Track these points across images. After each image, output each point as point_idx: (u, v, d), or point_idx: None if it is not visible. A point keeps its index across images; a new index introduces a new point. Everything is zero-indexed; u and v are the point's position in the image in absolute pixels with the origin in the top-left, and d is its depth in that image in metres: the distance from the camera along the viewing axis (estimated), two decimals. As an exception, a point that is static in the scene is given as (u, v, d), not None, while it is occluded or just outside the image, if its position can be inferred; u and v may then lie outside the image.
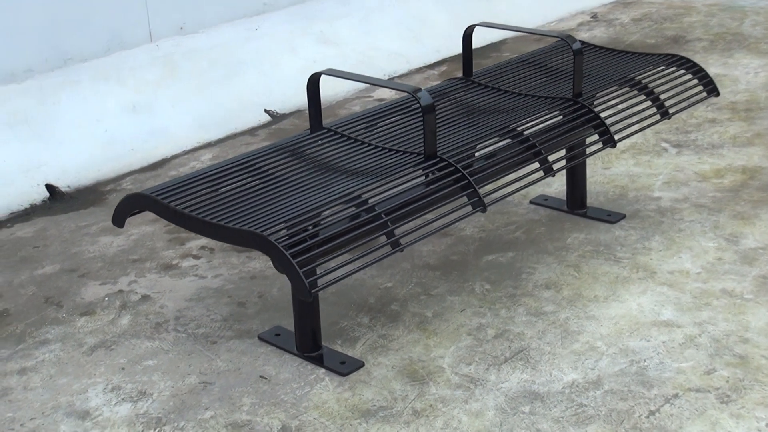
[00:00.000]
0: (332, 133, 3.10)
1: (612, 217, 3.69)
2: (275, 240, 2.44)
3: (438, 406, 2.70)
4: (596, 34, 6.07)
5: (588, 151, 3.49)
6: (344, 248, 2.62)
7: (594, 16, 6.48)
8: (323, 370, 2.89)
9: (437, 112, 3.20)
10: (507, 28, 3.44)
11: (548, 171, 3.07)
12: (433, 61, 5.73)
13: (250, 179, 2.82)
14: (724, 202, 3.77)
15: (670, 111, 3.48)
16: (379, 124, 3.15)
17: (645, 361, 2.83)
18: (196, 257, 3.59)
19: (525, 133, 3.09)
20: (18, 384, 2.91)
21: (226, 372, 2.92)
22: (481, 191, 2.89)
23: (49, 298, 3.40)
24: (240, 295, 3.33)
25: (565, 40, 3.27)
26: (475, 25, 3.50)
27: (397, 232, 2.74)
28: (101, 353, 3.05)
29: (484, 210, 2.86)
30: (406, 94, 3.12)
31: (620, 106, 3.88)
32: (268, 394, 2.79)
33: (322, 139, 3.04)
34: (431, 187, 2.79)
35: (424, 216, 2.81)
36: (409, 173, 2.83)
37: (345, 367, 2.88)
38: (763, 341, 2.89)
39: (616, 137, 3.29)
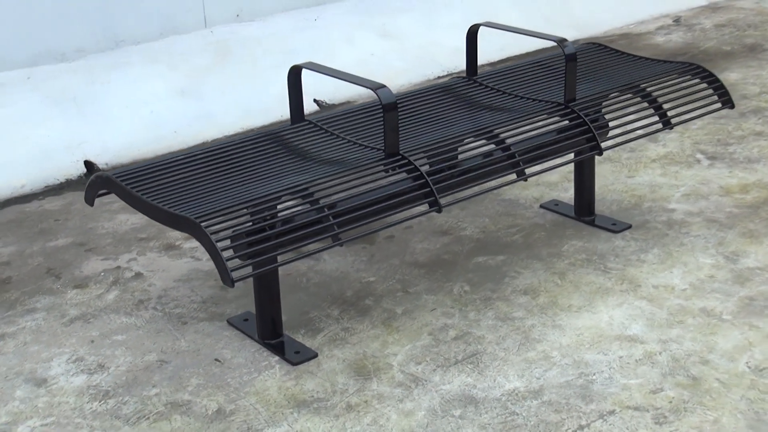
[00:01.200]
0: (312, 125, 3.14)
1: (616, 227, 3.61)
2: (205, 227, 2.50)
3: (373, 403, 2.71)
4: (672, 39, 5.92)
5: (575, 157, 3.41)
6: (280, 239, 2.65)
7: (677, 20, 6.31)
8: (277, 357, 2.94)
9: (427, 109, 3.20)
10: (510, 29, 3.40)
11: (521, 175, 3.04)
12: (496, 59, 5.69)
13: (213, 167, 2.88)
14: (738, 218, 3.64)
15: (673, 121, 3.39)
16: (363, 120, 3.17)
17: (594, 374, 2.78)
18: (196, 239, 3.69)
19: (502, 135, 3.06)
20: (-7, 348, 3.06)
21: (185, 352, 2.99)
22: (443, 190, 2.88)
23: (51, 269, 3.55)
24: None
25: (558, 44, 3.21)
26: (480, 24, 3.48)
27: (343, 224, 2.76)
28: (78, 325, 3.17)
29: (439, 211, 2.85)
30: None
31: (617, 113, 3.75)
32: (216, 377, 2.86)
33: (299, 131, 3.08)
34: (386, 185, 2.80)
35: (380, 213, 2.81)
36: (368, 169, 2.84)
37: (297, 357, 2.92)
38: (722, 364, 2.80)
39: (604, 145, 3.21)
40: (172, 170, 2.86)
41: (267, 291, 2.96)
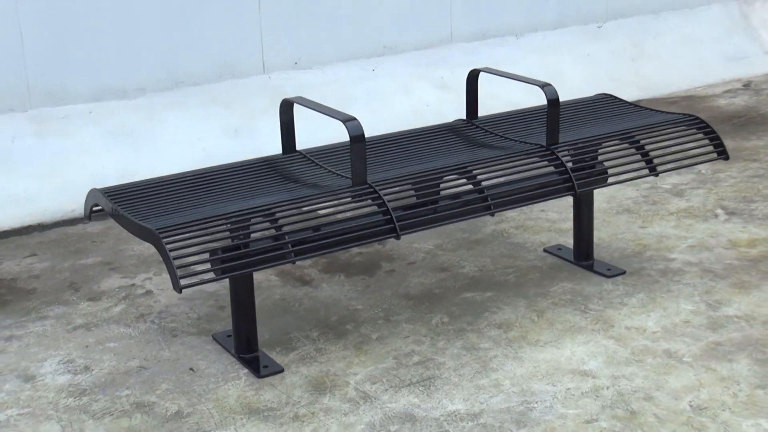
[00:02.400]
0: (301, 156, 3.34)
1: (611, 272, 3.68)
2: (163, 238, 2.72)
3: (319, 415, 2.86)
4: (734, 102, 5.92)
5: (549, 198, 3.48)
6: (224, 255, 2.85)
7: (746, 85, 6.30)
8: (246, 370, 3.12)
9: (416, 146, 3.37)
10: (504, 75, 3.54)
11: (488, 209, 3.16)
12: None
13: (197, 188, 3.11)
14: (735, 270, 3.66)
15: (659, 168, 3.46)
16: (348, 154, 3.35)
17: (537, 403, 2.86)
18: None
19: (475, 172, 3.19)
20: (0, 347, 3.34)
21: (165, 361, 3.21)
22: (405, 219, 3.03)
23: (73, 283, 3.83)
24: (225, 301, 3.61)
25: (542, 89, 3.34)
26: (480, 69, 3.63)
27: (300, 253, 2.94)
28: (79, 332, 3.43)
29: (398, 238, 3.00)
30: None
31: (607, 158, 3.79)
32: (185, 384, 3.06)
33: (287, 161, 3.29)
34: (347, 212, 2.97)
35: (340, 243, 2.99)
36: (335, 197, 3.02)
37: (264, 370, 3.10)
38: (665, 401, 2.84)
39: (580, 189, 3.31)
40: (158, 189, 3.10)
41: (242, 309, 3.15)
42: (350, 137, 3.01)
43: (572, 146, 3.37)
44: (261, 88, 5.29)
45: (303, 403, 2.92)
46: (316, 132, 5.06)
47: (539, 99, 5.38)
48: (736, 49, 6.66)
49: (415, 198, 3.16)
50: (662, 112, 3.73)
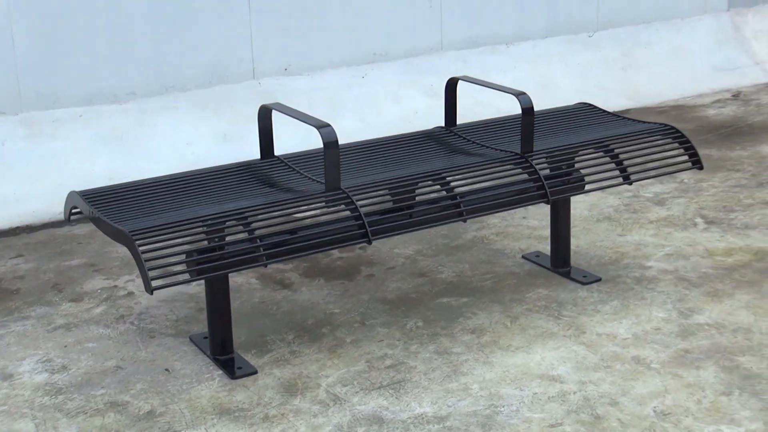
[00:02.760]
0: (278, 161, 3.39)
1: (586, 278, 3.72)
2: (135, 240, 2.77)
3: (288, 416, 2.91)
4: (723, 112, 5.96)
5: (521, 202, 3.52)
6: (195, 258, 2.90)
7: (736, 95, 6.33)
8: (221, 371, 3.17)
9: (393, 153, 3.42)
10: (481, 83, 3.59)
11: (461, 215, 3.21)
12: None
13: (174, 191, 3.16)
14: (710, 278, 3.70)
15: (632, 177, 3.50)
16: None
17: (503, 407, 2.91)
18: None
19: (448, 179, 3.24)
20: (-20, 346, 3.39)
21: (141, 361, 3.26)
22: (377, 224, 3.08)
23: (57, 284, 3.88)
24: (205, 302, 3.66)
25: (517, 97, 3.39)
26: (458, 78, 3.68)
27: (273, 256, 3.00)
28: (60, 332, 3.48)
29: (369, 243, 3.04)
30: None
31: (577, 166, 3.83)
32: (160, 384, 3.11)
33: (265, 166, 3.34)
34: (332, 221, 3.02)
35: (310, 246, 3.04)
36: (309, 202, 3.06)
37: (238, 372, 3.14)
38: (630, 406, 2.88)
39: (553, 197, 3.35)
40: (136, 192, 3.15)
41: (217, 311, 3.20)
42: (323, 143, 3.06)
43: (546, 154, 3.42)
44: (251, 93, 5.34)
45: (274, 404, 2.97)
46: (307, 136, 5.11)
47: (534, 105, 5.43)
48: (727, 60, 6.70)
49: (390, 204, 3.21)
50: (640, 121, 3.77)
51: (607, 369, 3.10)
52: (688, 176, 4.81)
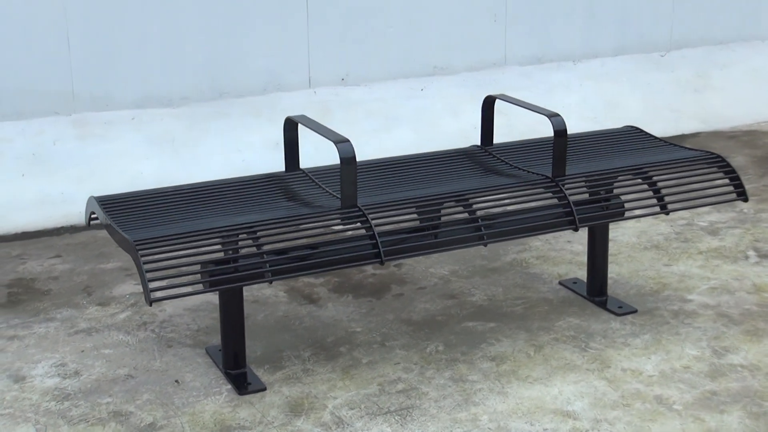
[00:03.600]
0: (303, 175, 3.34)
1: (622, 309, 3.58)
2: (139, 250, 2.73)
3: (288, 437, 2.84)
4: (795, 139, 5.72)
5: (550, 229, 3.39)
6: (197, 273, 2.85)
7: (814, 121, 6.08)
8: (230, 386, 3.12)
9: (420, 172, 3.33)
10: (517, 102, 3.47)
11: (481, 239, 3.10)
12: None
13: (191, 201, 3.12)
14: (752, 316, 3.52)
15: (669, 207, 3.36)
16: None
17: (509, 441, 2.80)
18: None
19: (470, 200, 3.14)
20: (0, 346, 3.40)
21: (153, 371, 3.23)
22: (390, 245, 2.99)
23: (88, 287, 3.89)
24: (229, 314, 3.62)
25: (549, 119, 3.27)
26: (495, 96, 3.58)
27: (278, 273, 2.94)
28: (80, 337, 3.47)
29: (381, 263, 2.96)
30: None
31: (616, 192, 3.66)
32: (167, 396, 3.07)
33: (288, 179, 3.28)
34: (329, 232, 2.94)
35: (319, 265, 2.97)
36: (324, 219, 3.00)
37: (245, 388, 3.09)
38: (642, 450, 2.75)
39: (581, 224, 3.23)
40: (152, 201, 3.12)
41: (231, 325, 3.15)
42: (341, 159, 2.99)
43: (578, 179, 3.29)
44: (306, 102, 5.30)
45: (276, 424, 2.91)
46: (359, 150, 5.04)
47: (588, 127, 5.29)
48: (808, 85, 6.45)
49: (411, 223, 3.12)
50: (687, 148, 3.61)
51: (626, 407, 2.96)
52: (748, 206, 4.61)
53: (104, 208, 3.05)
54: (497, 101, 3.56)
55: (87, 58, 4.79)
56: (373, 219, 2.98)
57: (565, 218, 3.22)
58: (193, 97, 5.03)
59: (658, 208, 3.37)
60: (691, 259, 4.05)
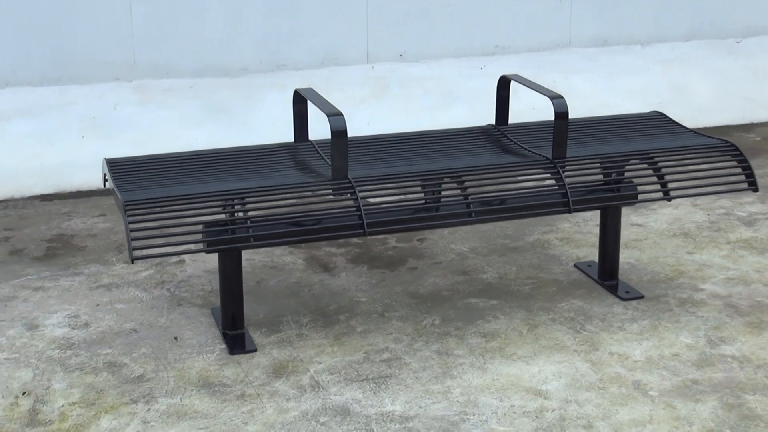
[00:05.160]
0: (311, 146, 3.43)
1: (629, 294, 3.57)
2: (127, 209, 2.88)
3: (263, 397, 2.95)
4: None
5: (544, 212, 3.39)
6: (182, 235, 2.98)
7: None
8: (224, 345, 3.25)
9: (424, 148, 3.39)
10: (528, 84, 3.48)
11: (470, 216, 3.14)
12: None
13: (194, 167, 3.25)
14: (761, 308, 3.47)
15: (672, 194, 3.33)
16: (361, 149, 3.41)
17: (473, 416, 2.85)
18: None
19: (464, 178, 3.18)
20: (25, 296, 3.61)
21: (157, 327, 3.38)
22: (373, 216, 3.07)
23: (121, 245, 4.08)
24: (245, 278, 3.75)
25: (552, 101, 3.28)
26: (510, 77, 3.60)
27: (261, 238, 3.04)
28: (99, 291, 3.66)
29: (364, 235, 3.03)
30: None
31: (620, 177, 3.61)
32: (162, 351, 3.22)
33: (295, 150, 3.39)
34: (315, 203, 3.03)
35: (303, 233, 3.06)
36: (314, 189, 3.09)
37: (237, 348, 3.21)
38: (601, 430, 2.76)
39: (574, 207, 3.23)
40: (158, 165, 3.26)
41: (228, 287, 3.28)
42: (331, 132, 3.06)
43: (578, 162, 3.29)
44: (363, 77, 5.38)
45: (255, 384, 3.02)
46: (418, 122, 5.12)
47: (662, 110, 5.22)
48: None
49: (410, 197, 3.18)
50: (706, 136, 3.57)
51: (600, 390, 2.97)
52: (794, 198, 4.51)
53: (111, 170, 3.20)
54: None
55: (149, 26, 4.98)
56: (360, 192, 3.06)
57: (560, 200, 3.23)
58: (251, 68, 5.17)
59: (660, 194, 3.35)
60: (717, 248, 4.00)
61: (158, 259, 3.93)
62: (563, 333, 3.31)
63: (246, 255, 3.96)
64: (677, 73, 5.88)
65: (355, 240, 4.11)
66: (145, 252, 3.05)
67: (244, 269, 3.80)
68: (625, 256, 3.91)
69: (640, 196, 3.58)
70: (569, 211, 3.23)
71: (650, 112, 3.82)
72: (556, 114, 3.26)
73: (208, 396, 2.96)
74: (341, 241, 4.10)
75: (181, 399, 2.94)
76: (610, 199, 3.39)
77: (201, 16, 5.04)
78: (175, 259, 3.94)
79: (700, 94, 5.82)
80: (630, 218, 4.31)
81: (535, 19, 5.60)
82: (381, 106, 5.28)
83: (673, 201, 4.46)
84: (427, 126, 5.24)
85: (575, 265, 3.85)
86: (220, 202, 3.01)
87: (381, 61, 5.42)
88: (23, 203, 4.57)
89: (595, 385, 3.00)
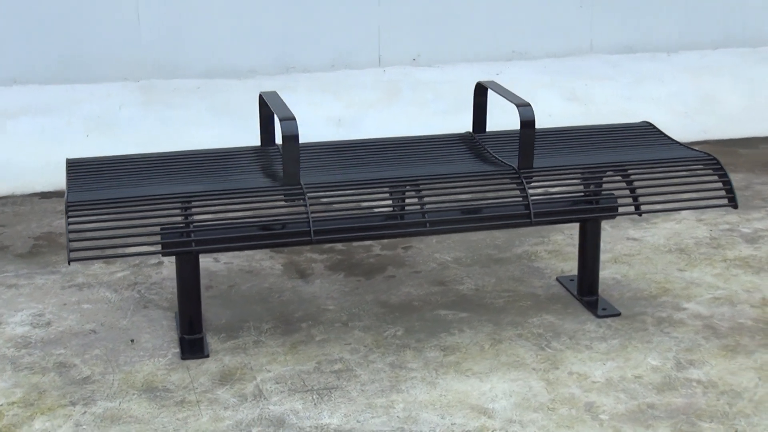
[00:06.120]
0: (275, 150, 3.38)
1: (605, 311, 3.44)
2: (70, 207, 2.85)
3: (202, 403, 2.90)
4: None
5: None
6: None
7: None
8: (177, 350, 3.21)
9: (390, 154, 3.31)
10: (498, 91, 3.38)
11: (424, 226, 3.06)
12: (691, 139, 5.42)
13: (150, 170, 3.21)
14: (740, 331, 3.32)
15: (642, 208, 3.19)
16: (326, 154, 3.34)
17: (409, 432, 2.76)
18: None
19: (422, 187, 3.09)
20: (-3, 293, 3.63)
21: (117, 329, 3.36)
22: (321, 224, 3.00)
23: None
24: (218, 281, 3.72)
25: (518, 108, 3.17)
26: (485, 84, 3.49)
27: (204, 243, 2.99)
28: (70, 291, 3.65)
29: (311, 242, 2.96)
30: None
31: (575, 188, 3.44)
32: (115, 353, 3.19)
33: (258, 153, 3.33)
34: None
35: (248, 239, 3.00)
36: (264, 194, 3.02)
37: (189, 354, 3.17)
38: (539, 455, 2.65)
39: (536, 219, 3.12)
40: (120, 166, 3.24)
41: (185, 291, 3.23)
42: (282, 137, 3.00)
43: (545, 173, 3.18)
44: (374, 81, 5.32)
45: (198, 390, 2.97)
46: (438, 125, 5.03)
47: (674, 121, 5.06)
48: None
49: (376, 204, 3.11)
50: (690, 149, 3.42)
51: (549, 411, 2.86)
52: (805, 215, 4.31)
53: (69, 170, 3.18)
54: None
55: (157, 26, 4.97)
56: (310, 198, 2.99)
57: (522, 212, 3.12)
58: (260, 69, 5.14)
59: (632, 209, 3.22)
60: (710, 266, 3.84)
61: (137, 260, 3.91)
62: (526, 350, 3.20)
63: (225, 258, 3.93)
64: (706, 81, 5.70)
65: (338, 246, 4.05)
66: (82, 254, 3.02)
67: (220, 273, 3.78)
68: (612, 272, 3.78)
69: (614, 211, 3.44)
70: (530, 224, 3.12)
71: (640, 122, 3.69)
72: (522, 123, 3.15)
73: (148, 401, 2.91)
74: (324, 247, 4.04)
75: (120, 403, 2.90)
76: (577, 212, 3.27)
77: (210, 16, 5.02)
78: (154, 260, 3.91)
79: (729, 103, 5.63)
80: (627, 232, 4.17)
81: (554, 23, 5.46)
82: (391, 110, 5.21)
83: (676, 215, 4.30)
84: (438, 131, 5.14)
85: (557, 279, 3.73)
86: (165, 205, 2.97)
87: (393, 65, 5.34)
88: (22, 200, 4.60)
89: (545, 405, 2.89)
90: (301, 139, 4.91)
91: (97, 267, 3.85)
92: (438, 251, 4.00)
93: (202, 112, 5.06)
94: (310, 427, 2.78)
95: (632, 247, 4.01)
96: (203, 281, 3.71)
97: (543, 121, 5.34)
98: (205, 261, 3.88)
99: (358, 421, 2.81)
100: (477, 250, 4.00)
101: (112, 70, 5.01)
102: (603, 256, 3.92)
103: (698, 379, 3.02)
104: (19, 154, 4.81)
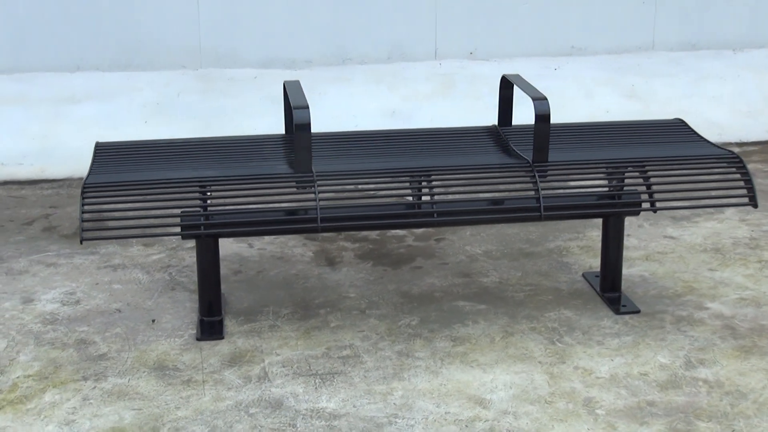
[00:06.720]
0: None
1: (625, 308, 3.42)
2: (86, 188, 2.96)
3: (208, 384, 2.98)
4: None
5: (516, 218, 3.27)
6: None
7: None
8: (194, 331, 3.30)
9: (410, 144, 3.34)
10: (519, 85, 3.37)
11: (432, 217, 3.08)
12: (753, 139, 5.30)
13: (173, 155, 3.31)
14: (760, 332, 3.26)
15: (658, 205, 3.16)
16: (352, 143, 3.39)
17: (402, 420, 2.79)
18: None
19: (433, 177, 3.12)
20: (36, 271, 3.77)
21: (141, 309, 3.47)
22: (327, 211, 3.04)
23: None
24: (248, 266, 3.80)
25: (533, 101, 3.17)
26: (510, 78, 3.48)
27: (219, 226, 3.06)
28: (105, 271, 3.77)
29: (317, 230, 3.01)
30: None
31: (590, 182, 3.40)
32: (135, 332, 3.30)
33: (280, 141, 3.40)
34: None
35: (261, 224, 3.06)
36: (275, 181, 3.09)
37: (207, 335, 3.26)
38: (526, 447, 2.66)
39: (546, 212, 3.11)
40: (145, 150, 3.34)
41: (204, 274, 3.32)
42: (295, 126, 3.06)
43: (559, 167, 3.17)
44: (430, 74, 5.34)
45: (207, 371, 3.05)
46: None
47: (737, 121, 4.99)
48: None
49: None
50: (716, 146, 3.37)
51: (546, 405, 2.86)
52: None
53: (96, 152, 3.30)
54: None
55: (215, 15, 5.09)
56: (320, 186, 3.04)
57: (533, 205, 3.12)
58: (317, 60, 5.21)
59: (648, 205, 3.18)
60: (744, 266, 3.77)
61: (175, 243, 4.02)
62: (536, 343, 3.20)
63: (259, 244, 4.01)
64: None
65: (372, 236, 4.09)
66: (94, 234, 3.13)
67: (252, 258, 3.86)
68: (641, 269, 3.74)
69: (635, 207, 3.40)
70: (540, 218, 3.11)
71: (672, 119, 3.64)
72: (537, 116, 3.15)
73: (156, 379, 3.01)
74: (357, 236, 4.09)
75: (129, 380, 3.00)
76: (590, 207, 3.25)
77: (267, 7, 5.11)
78: (191, 243, 4.01)
79: (795, 104, 5.48)
80: (666, 230, 4.11)
81: (615, 19, 5.40)
82: (446, 103, 5.22)
83: (719, 214, 4.23)
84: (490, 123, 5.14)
85: (583, 275, 3.70)
86: (180, 189, 3.05)
87: (449, 58, 5.36)
88: (78, 183, 4.76)
89: (543, 398, 2.89)
90: (354, 128, 4.98)
91: (135, 249, 3.97)
92: (470, 243, 4.01)
93: (258, 102, 5.16)
94: (306, 410, 2.84)
95: (667, 245, 3.96)
96: (234, 266, 3.80)
97: (599, 117, 5.31)
98: (240, 246, 3.97)
99: (354, 407, 2.85)
100: (509, 244, 4.00)
101: (171, 58, 5.14)
102: (635, 254, 3.88)
103: (705, 379, 2.98)
104: (80, 139, 4.97)
